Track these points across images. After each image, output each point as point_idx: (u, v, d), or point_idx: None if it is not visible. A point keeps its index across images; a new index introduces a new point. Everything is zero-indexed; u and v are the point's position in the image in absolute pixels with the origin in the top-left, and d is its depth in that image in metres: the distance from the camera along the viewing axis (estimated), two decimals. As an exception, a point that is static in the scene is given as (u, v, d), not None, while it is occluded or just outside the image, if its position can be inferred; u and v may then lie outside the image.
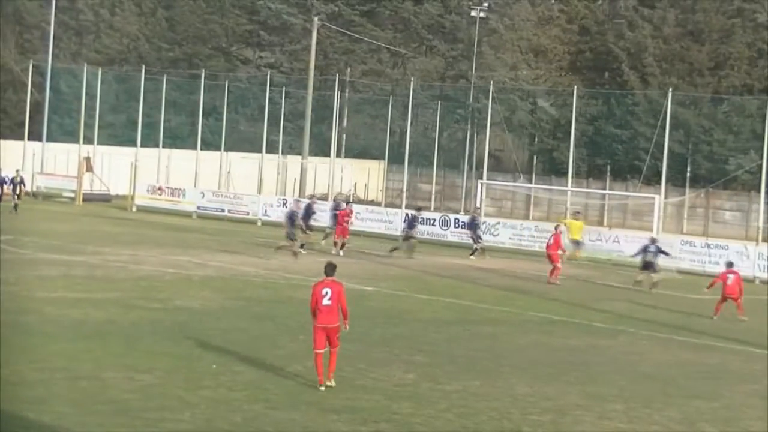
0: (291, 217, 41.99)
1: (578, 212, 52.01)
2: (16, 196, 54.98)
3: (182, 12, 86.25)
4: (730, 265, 33.61)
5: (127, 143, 72.28)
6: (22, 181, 56.47)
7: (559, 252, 40.05)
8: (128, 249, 40.98)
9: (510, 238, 51.63)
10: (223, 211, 60.78)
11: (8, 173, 57.79)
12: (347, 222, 46.07)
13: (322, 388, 19.25)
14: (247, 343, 23.48)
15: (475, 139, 76.51)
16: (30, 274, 32.22)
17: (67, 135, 74.66)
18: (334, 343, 19.47)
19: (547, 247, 40.47)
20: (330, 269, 19.76)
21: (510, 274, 41.84)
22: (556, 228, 42.41)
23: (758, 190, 55.42)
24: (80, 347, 21.75)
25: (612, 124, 74.23)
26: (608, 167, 74.19)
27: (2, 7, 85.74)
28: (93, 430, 16.02)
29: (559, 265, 39.48)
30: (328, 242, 46.10)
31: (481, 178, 60.10)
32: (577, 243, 46.62)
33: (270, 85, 70.71)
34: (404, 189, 64.64)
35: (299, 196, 66.76)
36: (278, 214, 59.00)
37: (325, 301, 19.30)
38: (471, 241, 48.15)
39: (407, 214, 50.33)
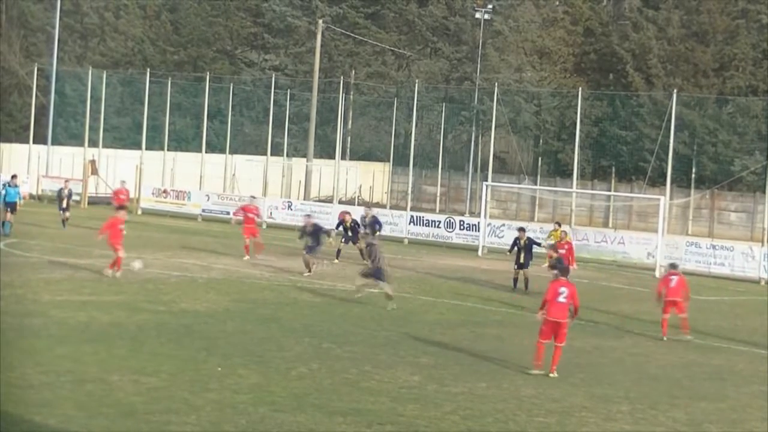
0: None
1: (558, 223, 49.14)
2: (63, 211, 49.61)
3: (187, 15, 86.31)
4: (673, 267, 29.42)
5: (132, 146, 72.34)
6: (70, 194, 51.34)
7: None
8: (133, 252, 40.87)
9: (515, 240, 51.51)
10: (228, 213, 60.66)
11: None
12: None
13: (533, 372, 21.82)
14: (252, 345, 23.48)
15: (480, 140, 76.47)
16: (36, 277, 32.23)
17: (72, 138, 74.75)
18: (561, 338, 21.99)
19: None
20: (565, 271, 22.96)
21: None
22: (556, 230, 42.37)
23: (763, 191, 55.42)
24: (86, 350, 21.76)
25: (617, 126, 74.18)
26: (613, 169, 74.14)
27: (7, 10, 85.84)
28: (99, 433, 16.05)
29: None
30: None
31: (486, 180, 60.07)
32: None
33: (275, 88, 70.78)
34: (409, 191, 64.70)
35: (304, 199, 66.90)
36: (283, 217, 59.20)
37: (561, 299, 22.02)
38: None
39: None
